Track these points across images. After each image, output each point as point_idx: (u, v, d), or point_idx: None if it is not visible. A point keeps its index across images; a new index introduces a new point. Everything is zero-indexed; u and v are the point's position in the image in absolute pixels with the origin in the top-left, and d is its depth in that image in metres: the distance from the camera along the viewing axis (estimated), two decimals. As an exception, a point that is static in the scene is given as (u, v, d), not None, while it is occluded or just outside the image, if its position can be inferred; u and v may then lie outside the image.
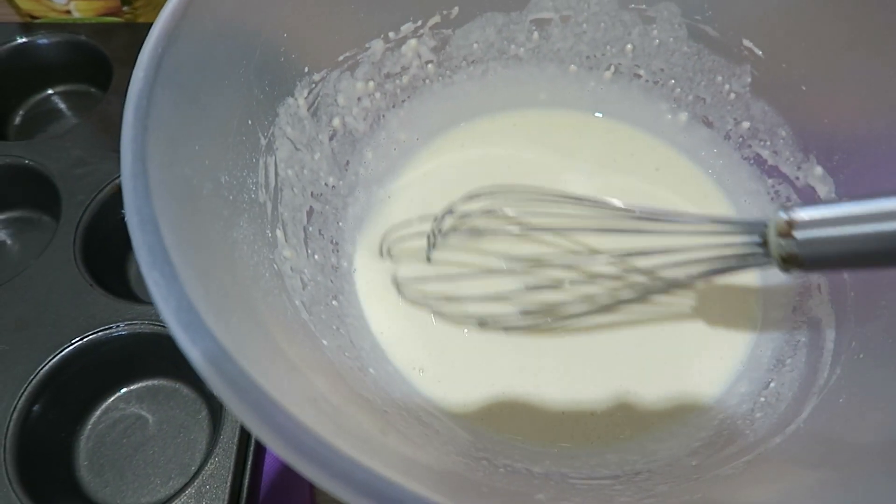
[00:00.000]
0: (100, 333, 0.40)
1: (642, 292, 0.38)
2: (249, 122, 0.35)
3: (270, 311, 0.31)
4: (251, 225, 0.33)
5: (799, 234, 0.26)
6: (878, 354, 0.31)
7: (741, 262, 0.31)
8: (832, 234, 0.26)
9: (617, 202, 0.35)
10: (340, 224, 0.42)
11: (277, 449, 0.20)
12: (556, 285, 0.39)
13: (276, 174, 0.37)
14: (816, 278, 0.38)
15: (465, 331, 0.39)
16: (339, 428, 0.25)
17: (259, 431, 0.21)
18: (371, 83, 0.43)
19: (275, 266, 0.34)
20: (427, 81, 0.46)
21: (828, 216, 0.26)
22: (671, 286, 0.38)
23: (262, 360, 0.25)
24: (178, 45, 0.30)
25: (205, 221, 0.29)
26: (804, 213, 0.27)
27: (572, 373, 0.37)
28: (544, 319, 0.38)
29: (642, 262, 0.38)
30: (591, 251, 0.40)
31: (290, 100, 0.38)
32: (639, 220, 0.34)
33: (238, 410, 0.21)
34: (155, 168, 0.26)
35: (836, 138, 0.38)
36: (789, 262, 0.27)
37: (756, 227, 0.29)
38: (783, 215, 0.27)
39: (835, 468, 0.27)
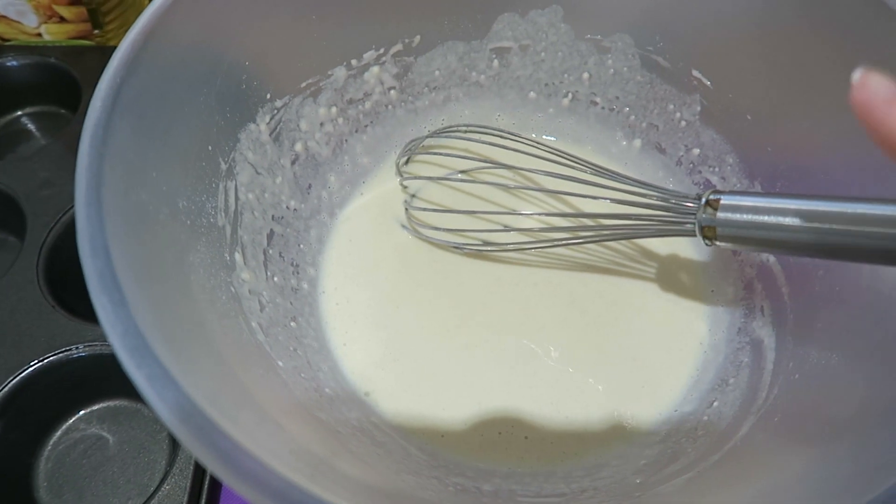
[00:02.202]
0: (60, 355, 0.40)
1: (582, 235, 0.42)
2: (210, 147, 0.36)
3: (225, 334, 0.32)
4: (209, 249, 0.34)
5: (720, 214, 0.32)
6: (812, 375, 0.32)
7: (672, 228, 0.36)
8: (745, 218, 0.31)
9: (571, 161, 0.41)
10: (301, 246, 0.42)
11: (221, 474, 0.21)
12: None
13: (237, 198, 0.38)
14: (760, 300, 0.39)
15: (425, 348, 0.40)
16: (288, 453, 0.26)
17: (203, 457, 0.21)
18: (334, 109, 0.44)
19: (232, 289, 0.35)
20: (390, 107, 0.47)
21: (744, 204, 0.31)
22: (608, 238, 0.42)
23: (210, 385, 0.25)
24: (137, 75, 0.30)
25: (160, 246, 0.30)
26: (728, 199, 0.32)
27: (523, 395, 0.38)
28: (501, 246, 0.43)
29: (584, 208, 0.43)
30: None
31: (252, 125, 0.39)
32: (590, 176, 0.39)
33: (182, 436, 0.21)
34: (110, 195, 0.27)
35: (778, 167, 0.40)
36: (709, 235, 0.32)
37: (691, 200, 0.34)
38: (713, 196, 0.32)
39: (766, 485, 0.28)
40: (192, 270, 0.32)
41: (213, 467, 0.21)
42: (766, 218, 0.30)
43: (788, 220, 0.29)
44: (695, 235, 0.33)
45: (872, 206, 0.27)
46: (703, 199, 0.32)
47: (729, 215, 0.31)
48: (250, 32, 0.38)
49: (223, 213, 0.36)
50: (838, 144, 0.37)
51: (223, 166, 0.37)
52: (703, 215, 0.32)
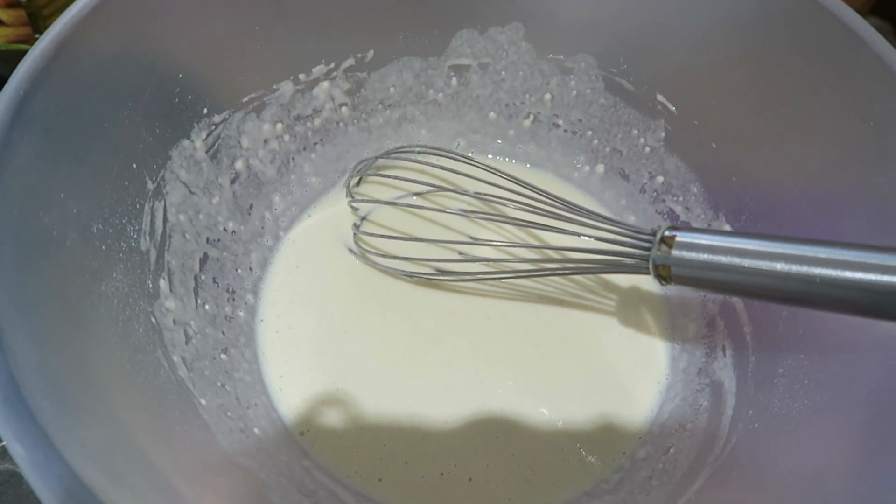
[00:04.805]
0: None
1: (534, 270, 0.40)
2: (134, 165, 0.33)
3: (138, 372, 0.29)
4: (127, 276, 0.31)
5: (675, 252, 0.29)
6: (771, 426, 0.30)
7: (626, 265, 0.33)
8: (701, 258, 0.28)
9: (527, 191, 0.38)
10: (239, 271, 0.40)
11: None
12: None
13: (165, 220, 0.35)
14: (722, 340, 0.37)
15: (363, 388, 0.37)
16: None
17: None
18: (279, 125, 0.42)
19: (153, 319, 0.32)
20: (341, 124, 0.45)
21: (701, 242, 0.29)
22: (559, 273, 0.39)
23: (103, 450, 0.23)
24: (46, 87, 0.28)
25: (63, 277, 0.27)
26: (683, 236, 0.29)
27: (468, 430, 0.36)
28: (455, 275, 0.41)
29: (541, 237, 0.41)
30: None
31: (186, 142, 0.37)
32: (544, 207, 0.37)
33: None
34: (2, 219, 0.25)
35: (743, 198, 0.38)
36: (663, 274, 0.30)
37: (645, 236, 0.32)
38: (668, 233, 0.30)
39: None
40: (102, 301, 0.29)
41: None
42: (723, 258, 0.27)
43: (748, 263, 0.27)
44: (649, 273, 0.31)
45: (835, 250, 0.25)
46: (658, 236, 0.30)
47: (684, 254, 0.29)
48: (184, 43, 0.35)
49: (147, 237, 0.34)
50: (803, 178, 0.35)
51: (150, 186, 0.34)
52: (657, 253, 0.30)
